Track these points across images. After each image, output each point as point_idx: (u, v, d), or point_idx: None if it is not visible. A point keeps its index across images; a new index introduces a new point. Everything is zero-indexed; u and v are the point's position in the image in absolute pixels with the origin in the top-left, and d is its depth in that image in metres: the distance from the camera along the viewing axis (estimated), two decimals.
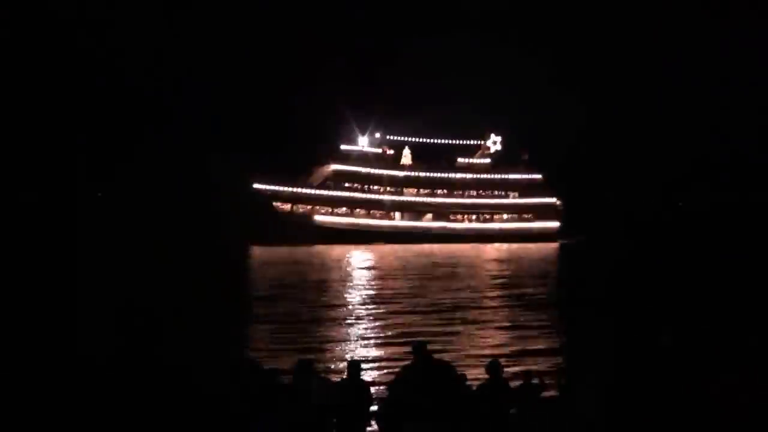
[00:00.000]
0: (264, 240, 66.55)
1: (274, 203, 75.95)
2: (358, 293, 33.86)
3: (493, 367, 8.73)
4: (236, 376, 9.12)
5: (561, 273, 48.38)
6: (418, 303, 30.03)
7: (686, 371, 8.63)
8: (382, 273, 44.56)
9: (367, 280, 40.13)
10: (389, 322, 25.27)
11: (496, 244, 72.92)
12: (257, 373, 9.23)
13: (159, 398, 8.39)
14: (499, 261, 55.90)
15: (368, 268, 48.32)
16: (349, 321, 25.61)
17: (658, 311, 25.99)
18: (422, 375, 8.38)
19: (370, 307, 29.07)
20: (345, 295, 32.83)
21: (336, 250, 63.72)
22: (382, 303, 30.05)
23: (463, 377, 8.97)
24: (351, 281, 39.78)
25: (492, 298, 32.93)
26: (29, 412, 8.01)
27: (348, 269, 47.77)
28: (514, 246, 70.79)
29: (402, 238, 74.55)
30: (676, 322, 22.71)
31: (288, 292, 33.58)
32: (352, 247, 67.91)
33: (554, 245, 72.56)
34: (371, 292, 34.47)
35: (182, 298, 27.67)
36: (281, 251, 61.57)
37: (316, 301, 30.44)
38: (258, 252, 61.74)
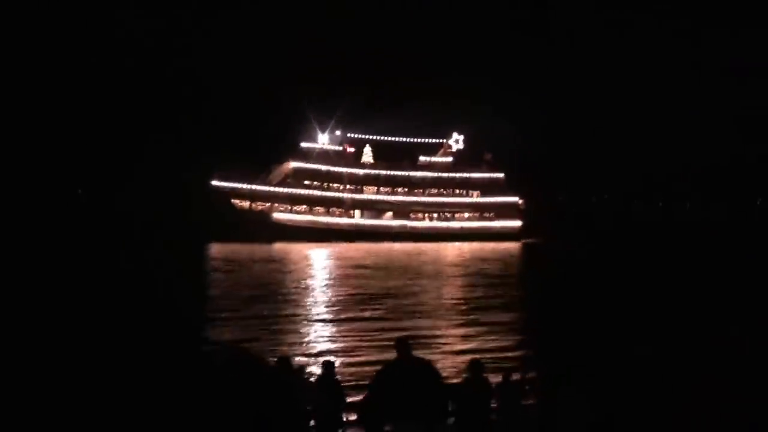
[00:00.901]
0: (222, 238, 65.30)
1: (233, 200, 74.60)
2: (340, 293, 33.26)
3: (475, 366, 8.61)
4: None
5: (534, 273, 48.24)
6: (400, 302, 29.64)
7: (665, 381, 8.56)
8: (362, 272, 43.92)
9: (347, 279, 39.44)
10: (373, 322, 24.80)
11: (458, 243, 72.82)
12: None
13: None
14: (469, 260, 55.71)
15: (352, 267, 47.55)
16: (329, 320, 25.09)
17: (632, 318, 25.92)
18: (403, 373, 8.18)
19: (351, 306, 28.56)
20: (326, 295, 32.28)
21: (296, 249, 62.86)
22: (364, 302, 29.58)
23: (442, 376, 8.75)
24: (329, 281, 39.14)
25: (472, 298, 32.64)
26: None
27: (324, 268, 47.17)
28: (477, 245, 70.80)
29: (362, 236, 73.95)
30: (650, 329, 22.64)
31: (269, 292, 32.88)
32: (312, 245, 67.01)
33: (516, 245, 72.79)
34: (353, 291, 33.85)
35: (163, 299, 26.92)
36: (240, 249, 60.46)
37: (299, 301, 29.87)
38: (217, 250, 60.48)
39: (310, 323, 24.80)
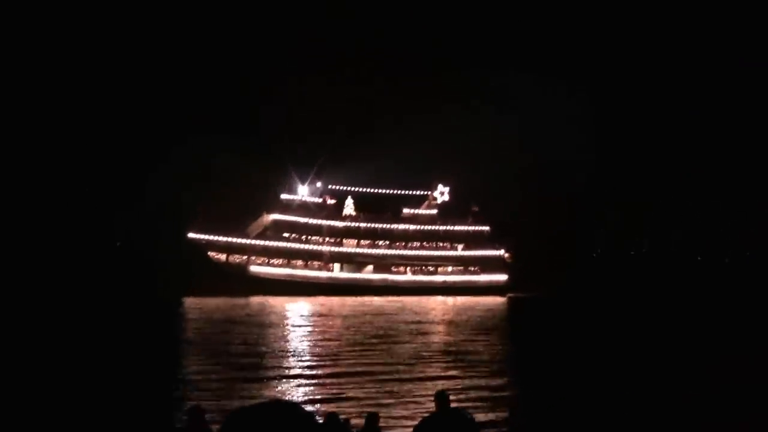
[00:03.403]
0: (197, 291, 62.90)
1: (209, 253, 72.21)
2: (344, 348, 31.41)
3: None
4: None
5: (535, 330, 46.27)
6: (418, 356, 27.97)
7: None
8: (361, 329, 41.92)
9: (347, 334, 37.57)
10: (403, 379, 23.13)
11: (441, 298, 70.82)
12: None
13: None
14: (463, 317, 53.77)
15: (345, 322, 45.55)
16: (347, 374, 23.38)
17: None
18: (442, 426, 8.36)
19: (371, 362, 26.80)
20: (331, 351, 30.47)
21: (274, 303, 60.60)
22: (380, 357, 27.89)
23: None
24: (326, 336, 37.22)
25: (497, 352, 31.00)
26: None
27: (312, 323, 45.37)
28: (461, 299, 68.81)
29: (341, 290, 71.83)
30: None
31: (263, 349, 30.93)
32: (290, 299, 64.70)
33: (502, 299, 70.83)
34: (361, 347, 32.03)
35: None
36: (216, 302, 58.14)
37: (302, 357, 28.13)
38: (192, 303, 57.93)
39: (329, 379, 22.98)
